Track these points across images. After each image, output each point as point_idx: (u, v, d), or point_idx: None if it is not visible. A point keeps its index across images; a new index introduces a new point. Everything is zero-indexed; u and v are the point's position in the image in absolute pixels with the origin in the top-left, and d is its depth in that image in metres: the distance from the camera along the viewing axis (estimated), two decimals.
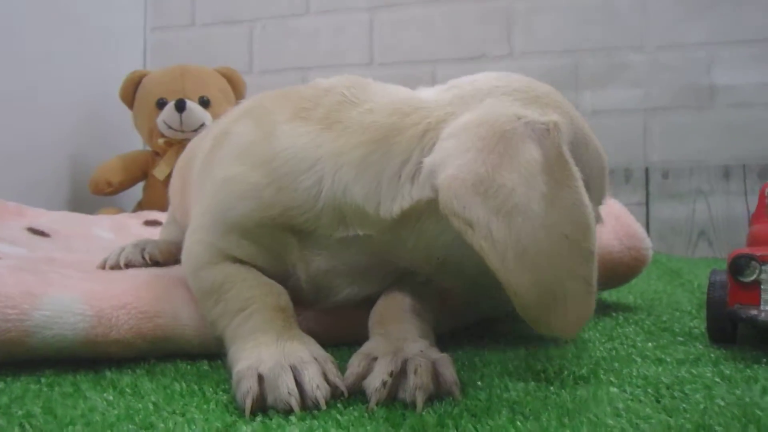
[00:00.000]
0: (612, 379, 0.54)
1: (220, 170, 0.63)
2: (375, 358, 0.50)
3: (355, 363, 0.51)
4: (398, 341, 0.53)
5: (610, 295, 0.97)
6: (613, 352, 0.63)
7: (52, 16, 1.71)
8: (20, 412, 0.47)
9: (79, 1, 1.81)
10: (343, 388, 0.49)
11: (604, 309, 0.87)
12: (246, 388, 0.47)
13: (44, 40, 1.67)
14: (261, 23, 2.07)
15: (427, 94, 0.58)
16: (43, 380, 0.55)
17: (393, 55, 1.93)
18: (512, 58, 1.86)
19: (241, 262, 0.61)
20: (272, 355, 0.50)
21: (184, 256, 0.66)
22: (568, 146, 0.50)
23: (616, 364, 0.58)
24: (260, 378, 0.48)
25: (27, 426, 0.45)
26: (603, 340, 0.69)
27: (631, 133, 1.78)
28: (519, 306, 0.45)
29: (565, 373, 0.55)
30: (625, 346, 0.66)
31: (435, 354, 0.51)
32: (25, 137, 1.60)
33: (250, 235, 0.60)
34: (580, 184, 0.47)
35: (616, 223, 0.85)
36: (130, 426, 0.44)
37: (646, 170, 1.77)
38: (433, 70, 1.88)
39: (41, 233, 1.13)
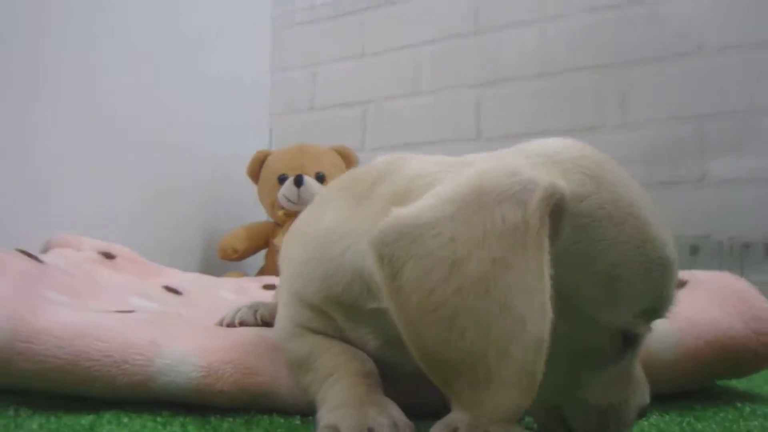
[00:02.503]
0: None
1: (287, 250, 0.70)
2: (456, 429, 0.51)
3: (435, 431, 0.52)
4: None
5: (741, 383, 0.87)
6: None
7: (188, 99, 1.95)
8: None
9: (212, 89, 2.05)
10: None
11: (728, 398, 0.78)
12: None
13: (181, 121, 1.92)
14: (373, 104, 2.22)
15: (463, 158, 0.54)
16: (158, 419, 0.63)
17: (501, 129, 1.97)
18: (628, 127, 1.82)
19: (323, 333, 0.65)
20: (352, 417, 0.52)
21: (274, 330, 0.72)
22: (579, 218, 0.44)
23: None
24: None
25: None
26: None
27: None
28: (424, 369, 0.39)
29: None
30: None
31: (518, 430, 0.51)
32: (167, 208, 1.82)
33: (316, 308, 0.65)
34: (545, 256, 0.39)
35: (739, 304, 0.77)
36: None
37: None
38: None
39: (175, 291, 1.27)
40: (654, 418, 0.68)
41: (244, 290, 1.44)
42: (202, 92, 2.00)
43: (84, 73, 1.56)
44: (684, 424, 0.66)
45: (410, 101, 2.15)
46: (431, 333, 0.38)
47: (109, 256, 1.40)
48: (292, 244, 0.71)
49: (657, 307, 0.47)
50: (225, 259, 1.91)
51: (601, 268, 0.45)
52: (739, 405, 0.74)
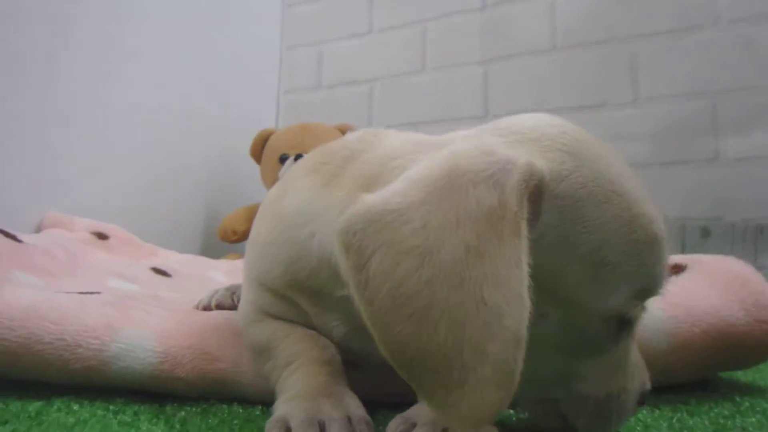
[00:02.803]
0: None
1: (252, 230, 0.66)
2: (414, 424, 0.48)
3: (392, 427, 0.48)
4: None
5: (745, 375, 0.81)
6: None
7: (196, 80, 1.92)
8: None
9: (220, 67, 2.01)
10: None
11: (727, 391, 0.72)
12: None
13: (189, 101, 1.88)
14: (380, 82, 2.17)
15: (441, 137, 0.50)
16: (111, 407, 0.59)
17: (508, 107, 1.91)
18: (637, 104, 1.75)
19: (285, 319, 0.62)
20: (304, 410, 0.49)
21: (238, 314, 0.68)
22: (559, 199, 0.41)
23: None
24: (287, 431, 0.47)
25: None
26: (709, 430, 0.57)
27: None
28: (394, 366, 0.36)
29: None
30: None
31: (487, 429, 0.47)
32: (167, 188, 1.79)
33: (278, 293, 0.61)
34: (523, 243, 0.36)
35: (742, 290, 0.71)
36: None
37: None
38: None
39: (163, 273, 1.25)
40: (643, 412, 0.63)
41: (236, 271, 1.41)
42: (209, 71, 1.97)
43: (79, 53, 1.53)
44: (674, 420, 0.60)
45: (417, 78, 2.09)
46: (401, 328, 0.35)
47: (102, 236, 1.38)
48: (257, 224, 0.66)
49: (649, 287, 0.44)
50: (225, 240, 1.88)
51: (586, 252, 0.41)
52: (738, 399, 0.68)
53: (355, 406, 0.51)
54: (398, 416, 0.50)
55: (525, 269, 0.36)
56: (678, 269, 0.83)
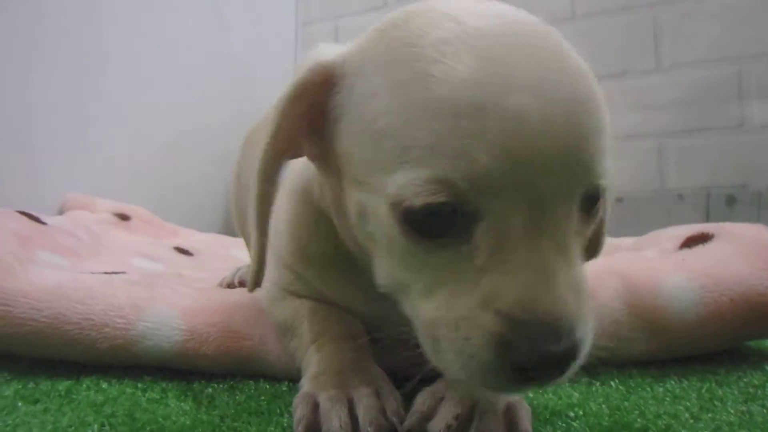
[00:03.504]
0: None
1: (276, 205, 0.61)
2: (442, 398, 0.47)
3: (420, 401, 0.47)
4: None
5: None
6: (746, 417, 0.51)
7: (214, 59, 1.91)
8: (108, 412, 0.52)
9: (236, 45, 2.00)
10: (399, 427, 0.46)
11: (756, 361, 0.70)
12: (300, 415, 0.47)
13: (206, 80, 1.87)
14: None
15: None
16: (139, 385, 0.60)
17: None
18: (660, 71, 1.71)
19: (307, 296, 0.61)
20: (332, 385, 0.49)
21: (261, 293, 0.68)
22: (346, 79, 0.42)
23: None
24: (315, 406, 0.47)
25: (106, 425, 0.49)
26: (739, 400, 0.56)
27: None
28: None
29: None
30: (765, 411, 0.53)
31: (509, 399, 0.47)
32: (187, 166, 1.80)
33: (296, 272, 0.60)
34: (276, 119, 0.44)
35: (766, 252, 0.70)
36: None
37: None
38: None
39: (186, 252, 1.26)
40: (671, 383, 0.62)
41: None
42: (225, 50, 1.95)
43: (102, 35, 1.53)
44: (703, 390, 0.59)
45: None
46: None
47: (123, 217, 1.39)
48: (279, 198, 0.66)
49: (454, 176, 0.35)
50: None
51: (369, 123, 0.39)
52: (767, 368, 0.67)
53: (382, 381, 0.51)
54: (425, 390, 0.49)
55: (272, 135, 0.44)
56: (705, 238, 0.82)
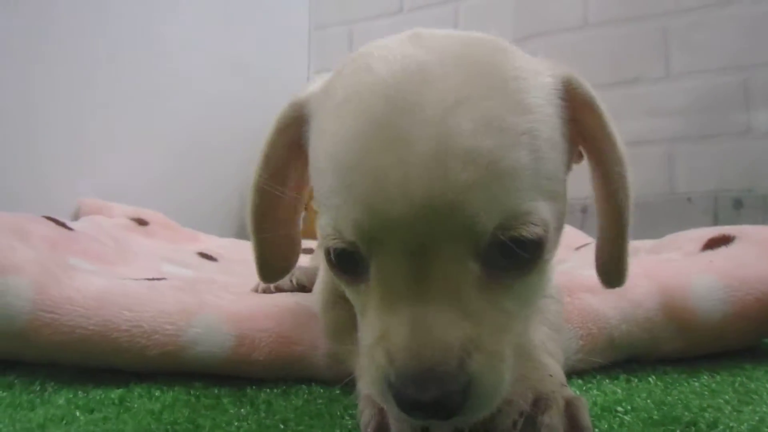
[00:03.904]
0: None
1: None
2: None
3: None
4: (529, 379, 0.49)
5: None
6: None
7: (227, 63, 1.90)
8: (169, 419, 0.52)
9: (249, 48, 2.00)
10: (464, 426, 0.47)
11: None
12: (368, 419, 0.46)
13: (218, 84, 1.87)
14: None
15: None
16: (192, 392, 0.60)
17: None
18: (670, 79, 1.73)
19: None
20: None
21: (312, 297, 0.68)
22: (312, 119, 0.47)
23: None
24: (382, 408, 0.47)
25: (171, 431, 0.49)
26: None
27: None
28: None
29: (721, 427, 0.48)
30: None
31: (568, 394, 0.47)
32: (201, 170, 1.79)
33: None
34: (264, 150, 0.52)
35: None
36: None
37: None
38: None
39: (209, 257, 1.25)
40: (705, 378, 0.65)
41: None
42: (238, 53, 1.95)
43: (112, 37, 1.52)
44: (737, 385, 0.62)
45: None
46: None
47: (141, 222, 1.38)
48: None
49: (342, 226, 0.39)
50: None
51: (312, 163, 0.45)
52: None
53: None
54: None
55: (259, 165, 0.52)
56: (727, 240, 0.85)
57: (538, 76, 0.43)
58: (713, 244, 0.86)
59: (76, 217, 1.37)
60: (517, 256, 0.39)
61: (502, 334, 0.39)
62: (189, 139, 1.75)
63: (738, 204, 1.65)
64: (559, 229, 0.44)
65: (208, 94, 1.82)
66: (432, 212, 0.36)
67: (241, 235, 1.82)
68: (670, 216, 1.70)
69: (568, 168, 0.48)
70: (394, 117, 0.37)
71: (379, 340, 0.38)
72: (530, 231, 0.38)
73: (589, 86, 0.46)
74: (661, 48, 1.75)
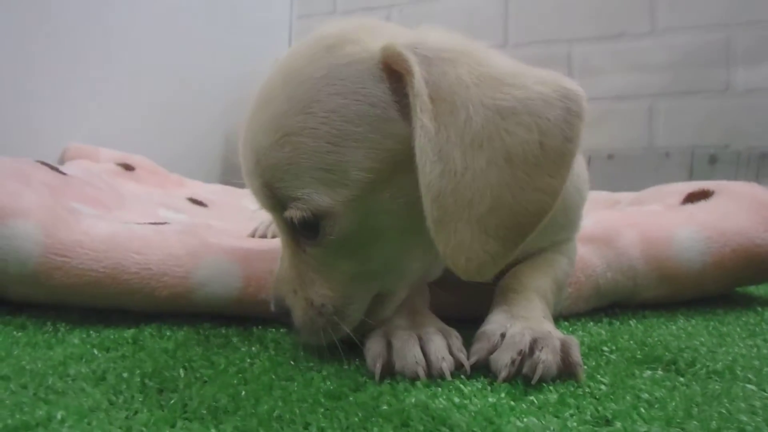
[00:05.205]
0: (750, 376, 0.51)
1: None
2: (503, 335, 0.51)
3: (484, 339, 0.52)
4: (524, 319, 0.53)
5: (759, 290, 0.90)
6: (754, 350, 0.59)
7: (209, 8, 1.86)
8: (183, 357, 0.54)
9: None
10: (465, 362, 0.50)
11: (748, 303, 0.82)
12: (376, 353, 0.50)
13: (202, 30, 1.83)
14: (397, 8, 2.11)
15: None
16: (201, 332, 0.62)
17: (527, 36, 1.88)
18: (654, 35, 1.75)
19: None
20: (402, 327, 0.53)
21: None
22: None
23: (756, 362, 0.55)
24: (389, 345, 0.51)
25: (189, 368, 0.51)
26: (744, 336, 0.65)
27: None
28: None
29: (698, 366, 0.53)
30: None
31: (561, 335, 0.52)
32: (186, 118, 1.77)
33: None
34: None
35: (761, 208, 0.79)
36: (273, 376, 0.49)
37: None
38: (569, 50, 1.82)
39: (200, 203, 1.26)
40: (681, 321, 0.71)
41: None
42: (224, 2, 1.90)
43: None
44: (711, 328, 0.68)
45: (436, 5, 2.04)
46: None
47: (128, 167, 1.38)
48: None
49: None
50: None
51: None
52: (759, 309, 0.78)
53: (441, 323, 0.55)
54: (484, 330, 0.53)
55: None
56: (707, 194, 0.89)
57: (353, 66, 0.48)
58: (693, 198, 0.91)
59: (61, 161, 1.35)
60: (305, 229, 0.50)
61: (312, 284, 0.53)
62: (174, 85, 1.72)
63: (713, 159, 1.70)
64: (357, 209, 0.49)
65: (191, 41, 1.78)
66: (253, 189, 0.53)
67: (226, 180, 1.82)
68: (648, 170, 1.75)
69: None
70: (253, 109, 0.52)
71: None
72: (294, 214, 0.49)
73: (411, 53, 0.46)
74: (647, 4, 1.76)
